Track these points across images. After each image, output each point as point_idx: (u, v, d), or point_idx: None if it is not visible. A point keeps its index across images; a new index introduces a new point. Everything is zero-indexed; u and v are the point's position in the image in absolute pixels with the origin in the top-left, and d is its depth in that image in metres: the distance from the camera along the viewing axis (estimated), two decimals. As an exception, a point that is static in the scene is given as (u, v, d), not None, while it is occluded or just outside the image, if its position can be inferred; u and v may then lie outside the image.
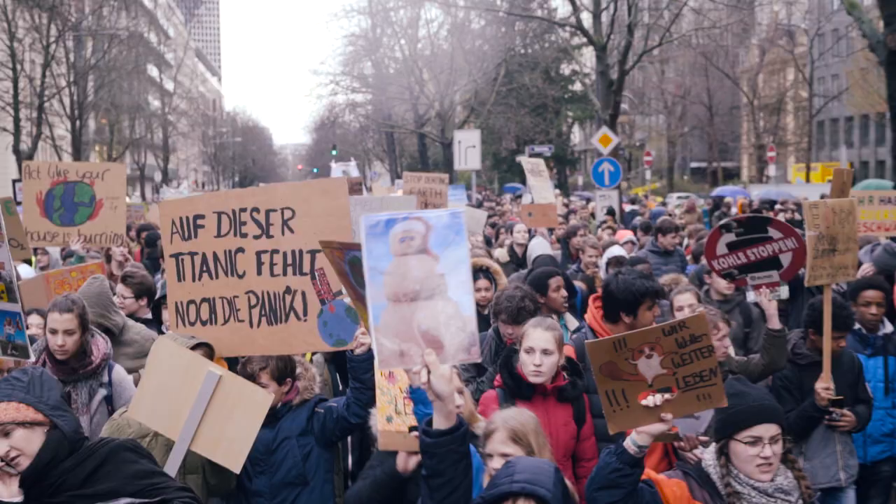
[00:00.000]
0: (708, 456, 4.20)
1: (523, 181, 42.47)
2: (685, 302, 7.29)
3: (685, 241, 15.60)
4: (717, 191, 47.59)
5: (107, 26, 51.51)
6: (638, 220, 22.80)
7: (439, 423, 3.19)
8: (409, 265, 3.20)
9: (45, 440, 3.54)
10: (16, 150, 44.51)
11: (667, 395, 3.83)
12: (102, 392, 6.28)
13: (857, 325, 7.26)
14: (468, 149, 30.92)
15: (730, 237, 6.84)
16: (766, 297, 6.54)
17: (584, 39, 40.31)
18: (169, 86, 78.62)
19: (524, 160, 23.22)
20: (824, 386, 6.28)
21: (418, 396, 4.36)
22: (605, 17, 36.39)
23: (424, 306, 3.20)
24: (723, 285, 8.20)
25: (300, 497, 5.37)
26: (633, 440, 3.80)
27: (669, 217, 18.98)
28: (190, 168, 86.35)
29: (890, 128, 20.15)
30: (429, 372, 3.12)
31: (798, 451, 6.25)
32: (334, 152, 59.94)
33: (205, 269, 5.57)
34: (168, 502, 3.59)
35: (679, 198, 41.33)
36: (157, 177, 69.66)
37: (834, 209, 6.62)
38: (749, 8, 57.60)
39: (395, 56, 63.89)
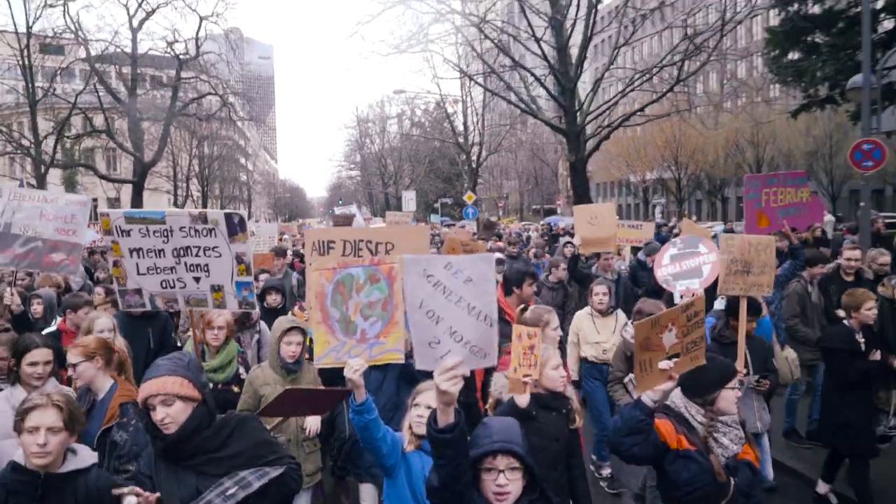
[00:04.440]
0: (678, 401, 3.36)
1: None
2: (601, 290, 6.47)
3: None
4: (546, 220, 47.85)
5: (219, 137, 52.86)
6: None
7: (443, 420, 2.29)
8: (444, 294, 2.40)
9: (192, 413, 2.73)
10: (175, 204, 46.08)
11: (675, 360, 3.12)
12: (256, 336, 6.00)
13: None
14: (409, 200, 35.60)
15: (673, 251, 5.95)
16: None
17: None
18: (250, 167, 79.21)
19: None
20: (741, 366, 4.99)
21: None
22: (471, 138, 40.64)
23: (453, 321, 2.40)
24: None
25: (395, 416, 4.26)
26: (650, 396, 3.08)
27: (516, 234, 18.12)
28: (261, 212, 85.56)
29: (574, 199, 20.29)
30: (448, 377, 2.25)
31: None
32: (340, 202, 59.67)
33: None
34: (274, 466, 2.81)
35: (524, 224, 40.24)
36: (245, 216, 69.44)
37: (750, 242, 5.34)
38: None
39: (371, 151, 66.97)
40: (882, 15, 17.74)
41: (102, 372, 3.98)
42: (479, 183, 57.34)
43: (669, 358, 3.14)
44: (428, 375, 2.50)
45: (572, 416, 3.95)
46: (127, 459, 3.50)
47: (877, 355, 5.50)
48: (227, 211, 4.21)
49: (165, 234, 4.39)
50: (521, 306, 5.36)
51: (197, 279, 4.49)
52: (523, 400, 3.41)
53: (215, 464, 2.75)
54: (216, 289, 4.50)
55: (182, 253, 4.42)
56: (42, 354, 4.12)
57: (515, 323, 4.69)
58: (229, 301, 4.54)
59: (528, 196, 73.07)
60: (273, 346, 4.71)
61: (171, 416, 2.69)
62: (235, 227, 4.29)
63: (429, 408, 3.21)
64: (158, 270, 4.54)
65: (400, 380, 4.84)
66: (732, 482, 3.21)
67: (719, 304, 6.14)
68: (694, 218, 30.52)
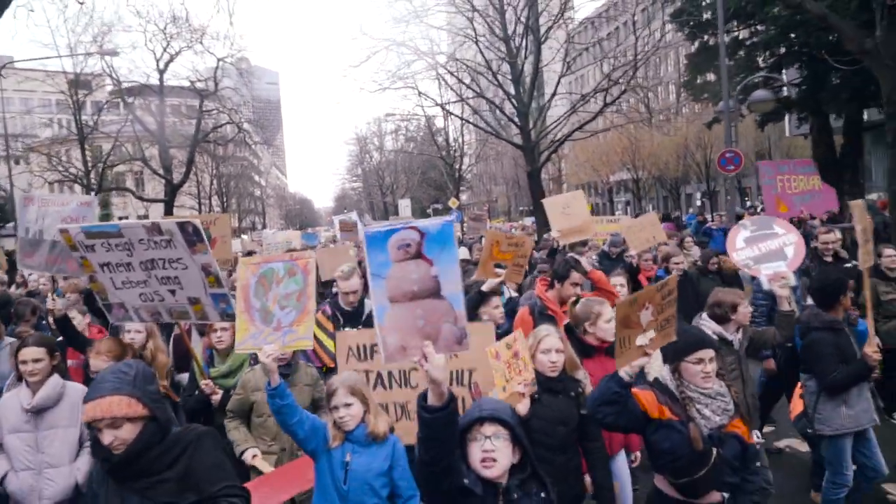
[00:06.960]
0: (665, 372, 3.23)
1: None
2: (617, 281, 5.98)
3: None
4: (528, 219, 45.41)
5: (235, 158, 53.80)
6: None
7: (433, 401, 2.14)
8: (407, 269, 2.13)
9: (140, 431, 2.32)
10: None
11: (650, 335, 2.98)
12: None
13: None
14: (405, 207, 36.59)
15: (745, 233, 5.10)
16: (779, 285, 4.56)
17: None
18: (263, 183, 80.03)
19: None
20: (873, 349, 4.26)
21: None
22: (454, 151, 41.69)
23: (421, 305, 2.14)
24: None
25: None
26: (626, 371, 2.95)
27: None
28: (274, 222, 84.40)
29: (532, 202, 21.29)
30: (426, 360, 2.10)
31: (840, 400, 4.40)
32: (345, 210, 49.57)
33: None
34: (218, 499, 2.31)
35: (510, 224, 39.24)
36: (259, 227, 66.85)
37: (862, 207, 4.74)
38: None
39: (371, 165, 67.22)
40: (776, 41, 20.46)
41: None
42: (471, 189, 58.39)
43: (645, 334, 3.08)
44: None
45: (583, 399, 3.56)
46: None
47: None
48: (178, 220, 3.62)
49: (127, 247, 3.73)
50: (573, 299, 5.03)
51: (172, 291, 3.85)
52: (523, 408, 3.32)
53: (160, 487, 2.33)
54: (194, 301, 3.87)
55: (150, 266, 3.76)
56: (30, 353, 3.84)
57: (567, 314, 4.52)
58: (210, 313, 3.91)
59: (514, 199, 74.40)
60: None
61: (120, 439, 2.30)
62: (192, 237, 3.62)
63: (347, 405, 3.16)
64: (133, 284, 3.89)
65: None
66: (715, 452, 3.06)
67: (766, 285, 5.38)
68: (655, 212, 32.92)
